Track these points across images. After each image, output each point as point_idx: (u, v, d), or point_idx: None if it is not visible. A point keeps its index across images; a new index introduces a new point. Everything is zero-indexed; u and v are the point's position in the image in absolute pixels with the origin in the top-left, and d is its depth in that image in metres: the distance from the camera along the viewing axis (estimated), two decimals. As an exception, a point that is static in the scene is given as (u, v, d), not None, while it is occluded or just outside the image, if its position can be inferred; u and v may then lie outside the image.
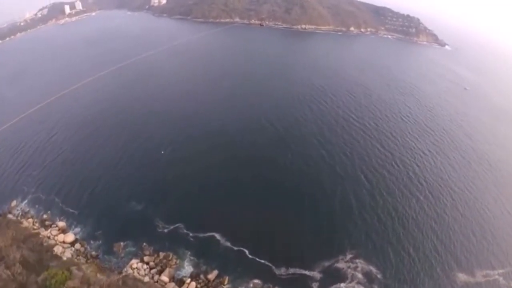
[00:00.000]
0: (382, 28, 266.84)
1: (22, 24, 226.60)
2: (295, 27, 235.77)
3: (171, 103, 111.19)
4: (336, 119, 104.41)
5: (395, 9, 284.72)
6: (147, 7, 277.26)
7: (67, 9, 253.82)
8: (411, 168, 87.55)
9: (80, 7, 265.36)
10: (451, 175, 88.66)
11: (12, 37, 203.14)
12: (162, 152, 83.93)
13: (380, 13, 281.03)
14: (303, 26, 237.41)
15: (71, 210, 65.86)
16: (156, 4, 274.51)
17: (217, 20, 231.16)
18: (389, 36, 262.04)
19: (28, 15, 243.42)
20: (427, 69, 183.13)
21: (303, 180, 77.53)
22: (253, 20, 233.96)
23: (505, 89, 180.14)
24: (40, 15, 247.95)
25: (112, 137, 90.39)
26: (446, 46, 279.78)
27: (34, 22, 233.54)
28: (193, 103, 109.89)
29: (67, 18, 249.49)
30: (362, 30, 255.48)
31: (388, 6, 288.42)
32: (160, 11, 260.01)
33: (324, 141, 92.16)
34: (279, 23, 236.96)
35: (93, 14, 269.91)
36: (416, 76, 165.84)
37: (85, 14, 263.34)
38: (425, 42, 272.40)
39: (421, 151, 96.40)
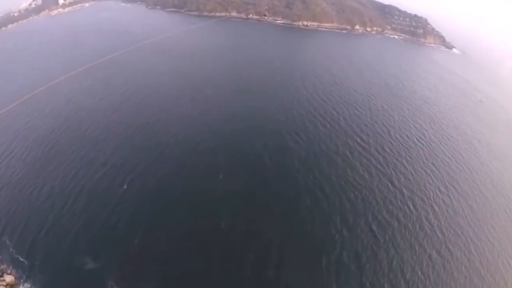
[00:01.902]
0: (389, 27, 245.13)
1: (15, 14, 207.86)
2: (296, 23, 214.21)
3: (138, 114, 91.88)
4: (338, 144, 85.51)
5: (402, 8, 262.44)
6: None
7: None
8: (425, 214, 70.04)
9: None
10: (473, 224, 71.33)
11: (3, 28, 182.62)
12: (125, 186, 66.49)
13: (387, 11, 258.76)
14: (305, 23, 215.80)
15: (21, 259, 50.65)
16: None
17: (212, 13, 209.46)
18: (396, 37, 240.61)
19: (25, 4, 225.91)
20: (439, 77, 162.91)
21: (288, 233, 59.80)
22: (250, 15, 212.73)
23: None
24: (34, 5, 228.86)
25: (67, 160, 72.42)
26: (454, 49, 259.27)
27: (27, 13, 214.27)
28: (166, 117, 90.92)
29: (60, 9, 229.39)
30: (368, 29, 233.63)
31: (394, 4, 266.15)
32: (154, 2, 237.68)
33: (322, 177, 73.01)
34: (279, 19, 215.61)
35: (87, 5, 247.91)
36: (427, 86, 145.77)
37: (79, 5, 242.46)
38: (432, 44, 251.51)
39: (437, 189, 78.68)
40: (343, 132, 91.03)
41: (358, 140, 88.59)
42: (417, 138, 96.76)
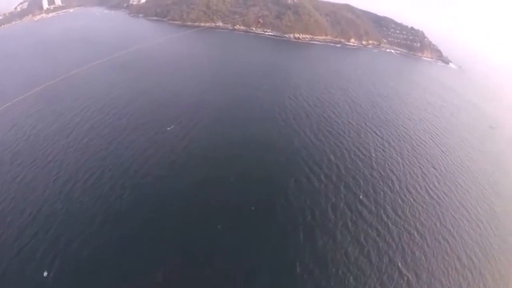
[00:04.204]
0: (385, 40, 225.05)
1: (0, 18, 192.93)
2: (286, 35, 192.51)
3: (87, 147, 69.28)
4: (331, 198, 63.15)
5: (398, 20, 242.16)
6: (125, 5, 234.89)
7: (45, 4, 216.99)
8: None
9: (60, 3, 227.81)
10: None
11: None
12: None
13: (382, 23, 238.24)
14: (297, 35, 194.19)
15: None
16: (135, 3, 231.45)
17: (196, 23, 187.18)
18: (392, 51, 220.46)
19: (12, 7, 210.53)
20: (442, 99, 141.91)
21: None
22: (237, 26, 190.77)
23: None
24: (19, 9, 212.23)
25: None
26: (451, 64, 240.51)
27: (12, 17, 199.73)
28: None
29: (43, 14, 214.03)
30: (364, 42, 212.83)
31: (390, 16, 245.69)
32: (137, 10, 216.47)
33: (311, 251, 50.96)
34: (268, 30, 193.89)
35: (71, 10, 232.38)
36: (433, 110, 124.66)
37: (63, 10, 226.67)
38: (429, 59, 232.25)
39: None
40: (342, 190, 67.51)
41: (361, 196, 65.77)
42: (430, 188, 74.52)
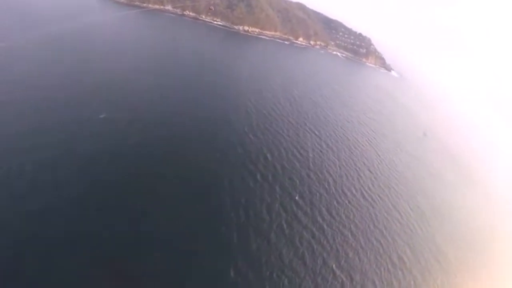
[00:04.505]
0: (332, 43, 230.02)
1: None
2: (236, 27, 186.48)
3: None
4: (267, 198, 58.89)
5: (348, 25, 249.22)
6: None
7: None
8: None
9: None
10: None
11: None
12: None
13: (332, 26, 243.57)
14: (246, 27, 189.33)
15: None
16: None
17: (145, 4, 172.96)
18: (339, 54, 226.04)
19: None
20: (382, 105, 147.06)
21: None
22: (187, 11, 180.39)
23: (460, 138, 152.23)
24: None
25: None
26: (392, 72, 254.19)
27: None
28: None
29: None
30: (312, 42, 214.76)
31: (340, 20, 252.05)
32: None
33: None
34: (218, 20, 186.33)
35: None
36: (372, 115, 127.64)
37: None
38: (372, 65, 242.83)
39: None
40: (278, 191, 63.44)
41: (297, 198, 62.42)
42: (366, 193, 74.10)
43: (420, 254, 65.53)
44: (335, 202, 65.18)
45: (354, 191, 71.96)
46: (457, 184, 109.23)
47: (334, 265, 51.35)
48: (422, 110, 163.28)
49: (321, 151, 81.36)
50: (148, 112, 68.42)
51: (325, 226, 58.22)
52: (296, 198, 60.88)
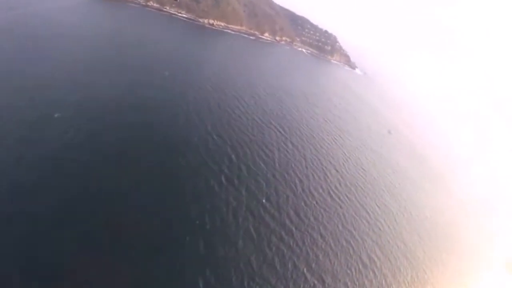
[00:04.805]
0: (298, 39, 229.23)
1: None
2: (201, 20, 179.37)
3: None
4: (232, 202, 54.50)
5: (314, 22, 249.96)
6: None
7: None
8: None
9: None
10: None
11: None
12: None
13: (299, 22, 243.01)
14: (212, 21, 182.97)
15: None
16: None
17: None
18: (304, 50, 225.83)
19: None
20: (347, 102, 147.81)
21: None
22: (150, 2, 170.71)
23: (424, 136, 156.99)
24: None
25: None
26: (356, 69, 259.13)
27: None
28: None
29: None
30: (277, 38, 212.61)
31: (307, 16, 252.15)
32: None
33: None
34: (183, 12, 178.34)
35: None
36: (338, 112, 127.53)
37: None
38: (337, 62, 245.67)
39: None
40: (244, 194, 59.44)
41: (264, 201, 59.01)
42: (333, 191, 72.63)
43: (389, 252, 65.29)
44: (303, 204, 62.71)
45: (321, 191, 69.98)
46: (421, 181, 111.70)
47: (305, 269, 49.03)
48: (387, 108, 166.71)
49: (287, 151, 78.52)
50: (96, 111, 61.41)
51: (293, 229, 55.55)
52: (264, 201, 57.55)
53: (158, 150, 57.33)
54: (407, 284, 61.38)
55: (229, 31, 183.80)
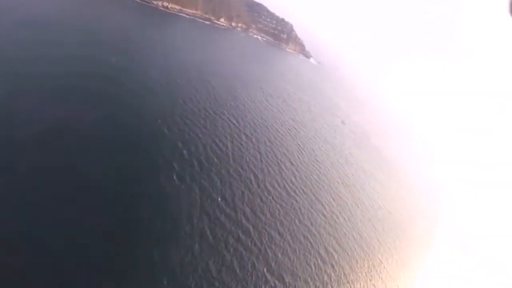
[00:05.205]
0: (254, 26, 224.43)
1: None
2: (155, 2, 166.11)
3: None
4: (185, 203, 49.91)
5: (271, 9, 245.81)
6: None
7: None
8: None
9: None
10: None
11: None
12: None
13: (256, 9, 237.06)
14: (166, 4, 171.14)
15: None
16: None
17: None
18: (259, 37, 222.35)
19: None
20: (302, 91, 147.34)
21: None
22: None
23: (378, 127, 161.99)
24: None
25: None
26: (311, 59, 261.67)
27: None
28: None
29: None
30: (233, 24, 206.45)
31: (264, 3, 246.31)
32: None
33: None
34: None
35: None
36: (292, 102, 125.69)
37: None
38: (292, 50, 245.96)
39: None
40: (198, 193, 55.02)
41: (219, 199, 55.14)
42: (286, 188, 70.99)
43: (346, 244, 65.74)
44: (259, 200, 60.33)
45: (277, 186, 68.14)
46: (374, 172, 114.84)
47: (265, 269, 47.10)
48: (340, 99, 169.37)
49: (241, 144, 75.06)
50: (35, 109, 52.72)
51: (251, 228, 53.03)
52: (218, 200, 54.17)
53: (102, 147, 50.36)
54: (364, 274, 62.61)
55: (183, 15, 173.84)
